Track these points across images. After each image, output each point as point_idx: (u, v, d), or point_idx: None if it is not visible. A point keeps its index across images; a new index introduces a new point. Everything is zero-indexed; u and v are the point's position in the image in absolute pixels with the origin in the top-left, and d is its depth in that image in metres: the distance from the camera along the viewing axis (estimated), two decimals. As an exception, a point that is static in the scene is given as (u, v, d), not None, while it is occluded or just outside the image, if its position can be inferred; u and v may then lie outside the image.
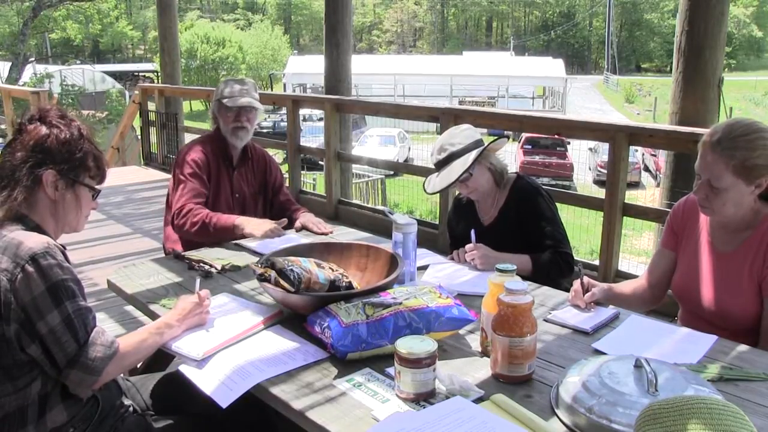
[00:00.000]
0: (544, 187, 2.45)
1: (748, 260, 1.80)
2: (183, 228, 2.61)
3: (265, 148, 3.11)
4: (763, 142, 1.70)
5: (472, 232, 2.23)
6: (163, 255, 2.73)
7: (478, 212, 2.47)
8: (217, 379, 1.48)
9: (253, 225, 2.56)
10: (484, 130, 7.28)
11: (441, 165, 2.33)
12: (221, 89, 2.85)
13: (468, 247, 2.23)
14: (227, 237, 2.55)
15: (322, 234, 2.65)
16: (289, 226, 2.82)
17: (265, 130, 22.82)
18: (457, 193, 2.55)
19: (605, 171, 3.78)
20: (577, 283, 1.92)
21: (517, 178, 2.40)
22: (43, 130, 1.54)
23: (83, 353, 1.43)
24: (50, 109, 1.59)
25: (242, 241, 2.54)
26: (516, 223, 2.33)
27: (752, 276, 1.79)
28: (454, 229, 2.59)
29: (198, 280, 1.85)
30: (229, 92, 2.81)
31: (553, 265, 2.24)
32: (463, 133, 2.35)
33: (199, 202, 2.67)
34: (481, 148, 2.29)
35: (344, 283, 1.74)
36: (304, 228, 2.72)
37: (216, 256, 2.33)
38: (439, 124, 4.51)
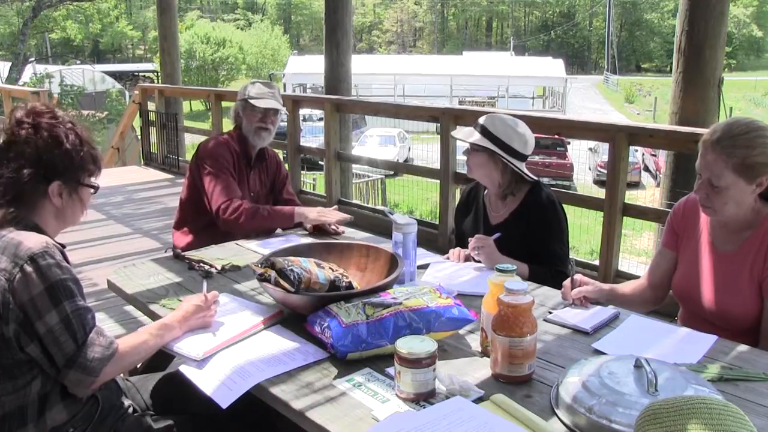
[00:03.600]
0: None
1: (749, 260, 1.80)
2: (238, 221, 2.61)
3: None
4: (762, 140, 1.70)
5: (496, 235, 2.22)
6: (163, 255, 2.72)
7: (487, 208, 2.44)
8: (217, 379, 1.48)
9: (313, 212, 2.64)
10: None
11: (476, 126, 2.32)
12: (248, 89, 2.84)
13: (478, 236, 2.22)
14: (285, 225, 2.67)
15: (335, 234, 2.64)
16: (291, 226, 2.82)
17: (265, 130, 22.75)
18: (462, 188, 2.53)
19: (605, 171, 3.78)
20: (568, 280, 1.93)
21: (535, 186, 2.33)
22: (40, 140, 1.51)
23: (81, 353, 1.43)
24: (42, 113, 1.55)
25: (242, 242, 2.54)
26: (524, 230, 2.29)
27: (753, 276, 1.79)
28: (460, 222, 2.56)
29: (204, 284, 1.84)
30: (257, 93, 2.81)
31: (548, 282, 2.16)
32: (515, 131, 2.28)
33: (239, 196, 2.70)
34: (507, 156, 2.25)
35: (344, 283, 1.74)
36: (318, 221, 2.69)
37: (216, 256, 2.33)
38: (439, 124, 4.52)
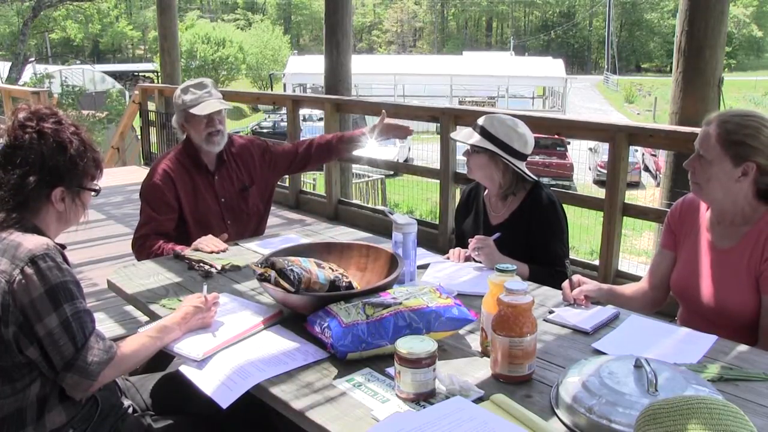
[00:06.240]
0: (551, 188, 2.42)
1: (746, 255, 1.80)
2: (142, 257, 2.53)
3: None
4: (756, 124, 1.75)
5: (496, 235, 2.22)
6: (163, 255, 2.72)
7: (488, 209, 2.44)
8: (217, 379, 1.48)
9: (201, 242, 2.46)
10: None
11: (475, 128, 2.32)
12: (182, 98, 2.68)
13: (478, 237, 2.22)
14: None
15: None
16: (314, 161, 2.90)
17: (265, 130, 22.82)
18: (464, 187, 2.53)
19: (605, 171, 3.79)
20: (567, 281, 1.93)
21: (535, 186, 2.33)
22: (45, 147, 1.51)
23: (80, 356, 1.43)
24: (46, 115, 1.55)
25: (242, 242, 2.54)
26: (525, 230, 2.29)
27: (750, 271, 1.79)
28: (461, 222, 2.56)
29: (205, 287, 1.83)
30: (193, 99, 2.65)
31: (548, 282, 2.15)
32: (515, 131, 2.28)
33: (156, 231, 2.58)
34: (507, 156, 2.25)
35: (344, 283, 1.74)
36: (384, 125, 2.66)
37: (216, 256, 2.33)
38: (439, 124, 4.52)
